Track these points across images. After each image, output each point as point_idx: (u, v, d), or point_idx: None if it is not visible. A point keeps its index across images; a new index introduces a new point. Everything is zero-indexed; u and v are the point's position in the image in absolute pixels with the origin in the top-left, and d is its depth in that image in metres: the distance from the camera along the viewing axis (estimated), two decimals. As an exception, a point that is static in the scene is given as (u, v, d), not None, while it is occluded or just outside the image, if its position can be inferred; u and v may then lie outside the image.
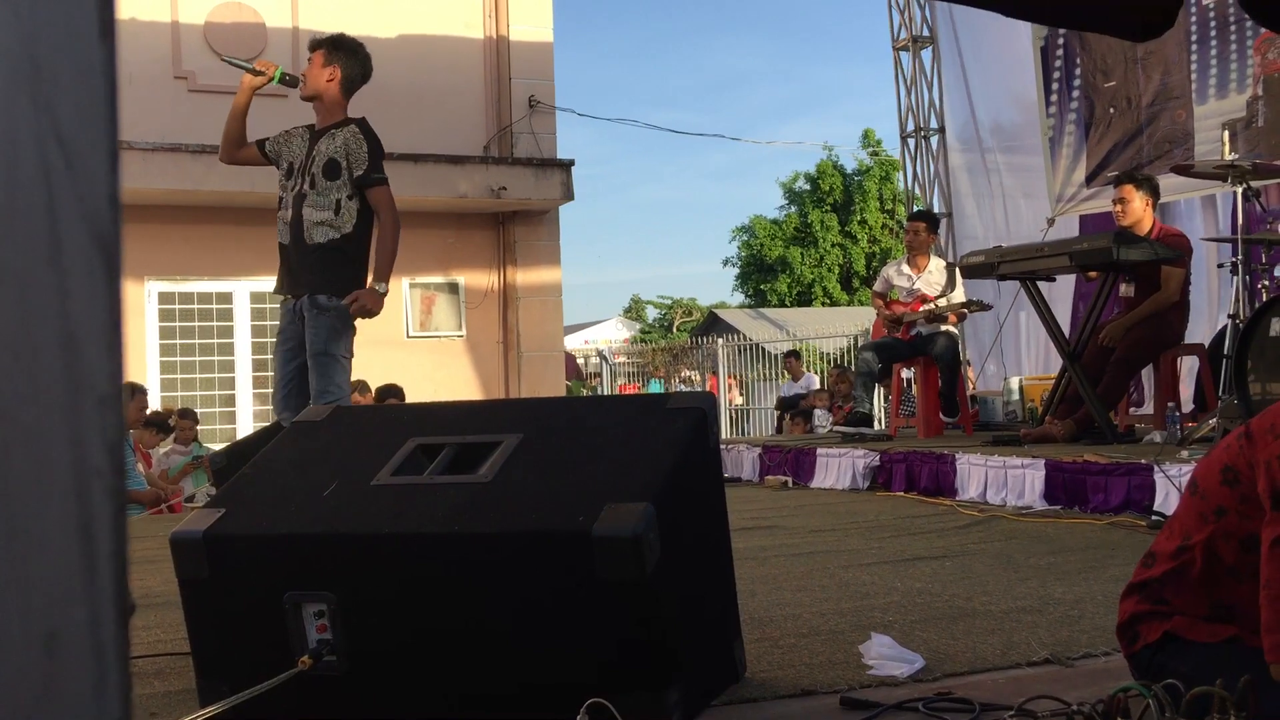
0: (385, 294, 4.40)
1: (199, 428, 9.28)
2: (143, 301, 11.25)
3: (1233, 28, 8.04)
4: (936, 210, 10.91)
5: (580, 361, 22.01)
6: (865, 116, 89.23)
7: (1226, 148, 6.18)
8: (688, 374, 18.58)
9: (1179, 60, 8.46)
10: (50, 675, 0.37)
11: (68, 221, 0.38)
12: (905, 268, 7.42)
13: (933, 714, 1.98)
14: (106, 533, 0.38)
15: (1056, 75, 9.43)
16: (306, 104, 4.58)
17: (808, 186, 35.18)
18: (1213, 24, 8.14)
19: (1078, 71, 9.25)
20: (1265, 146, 7.58)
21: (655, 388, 18.73)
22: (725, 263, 37.80)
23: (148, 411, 8.95)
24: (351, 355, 4.40)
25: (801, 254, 34.70)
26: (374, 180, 4.36)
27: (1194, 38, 8.25)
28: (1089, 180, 9.15)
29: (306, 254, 4.41)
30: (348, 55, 4.51)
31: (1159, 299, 5.82)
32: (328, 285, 4.35)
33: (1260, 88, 7.85)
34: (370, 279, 4.42)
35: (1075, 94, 9.26)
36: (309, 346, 4.34)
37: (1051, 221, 9.30)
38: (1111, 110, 8.96)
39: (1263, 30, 7.78)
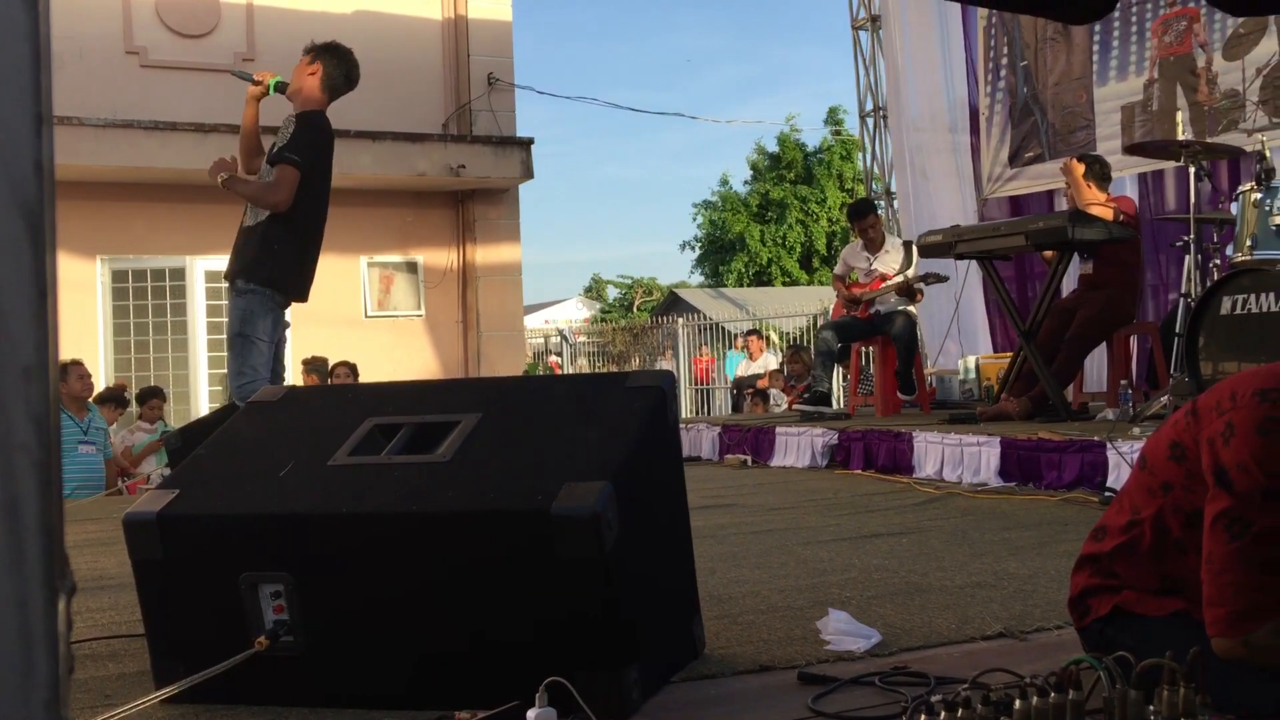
0: (223, 180, 4.46)
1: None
2: (94, 279, 11.08)
3: (1134, 8, 7.99)
4: (893, 189, 10.96)
5: (540, 341, 21.93)
6: (825, 96, 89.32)
7: (1180, 128, 6.23)
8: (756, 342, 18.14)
9: (1082, 41, 8.45)
10: (-26, 656, 0.35)
11: (-11, 189, 0.37)
12: (862, 250, 7.49)
13: (889, 688, 2.00)
14: (33, 509, 0.36)
15: (990, 55, 9.44)
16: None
17: (767, 161, 35.10)
18: (1118, 4, 8.18)
19: (1005, 51, 9.25)
20: (1159, 130, 7.57)
21: (733, 360, 18.44)
22: (683, 246, 37.73)
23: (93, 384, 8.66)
24: (269, 340, 4.43)
25: (762, 232, 34.64)
26: (282, 157, 4.41)
27: (1098, 18, 8.30)
28: (1010, 161, 9.19)
29: (239, 236, 4.53)
30: (331, 56, 4.62)
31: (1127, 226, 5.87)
32: (245, 269, 4.43)
33: (1156, 70, 7.86)
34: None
35: (1003, 74, 9.28)
36: (226, 329, 4.49)
37: (984, 201, 9.35)
38: (1025, 90, 8.99)
39: (1162, 11, 7.80)
